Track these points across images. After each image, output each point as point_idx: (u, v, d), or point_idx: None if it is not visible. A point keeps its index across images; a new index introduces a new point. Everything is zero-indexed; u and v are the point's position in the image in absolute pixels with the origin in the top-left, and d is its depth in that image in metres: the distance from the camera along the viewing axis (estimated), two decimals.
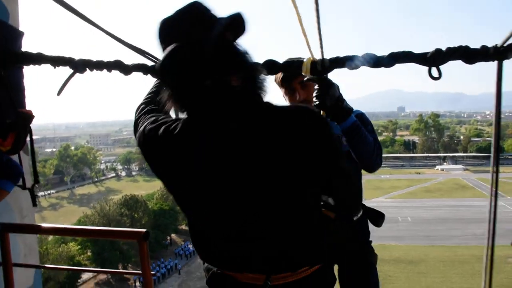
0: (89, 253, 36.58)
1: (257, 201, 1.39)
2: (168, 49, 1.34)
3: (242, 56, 1.34)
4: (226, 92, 1.31)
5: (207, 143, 1.34)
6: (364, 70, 1.95)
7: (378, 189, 68.89)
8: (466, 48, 1.66)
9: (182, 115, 1.43)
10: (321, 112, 1.80)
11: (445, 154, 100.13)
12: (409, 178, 78.15)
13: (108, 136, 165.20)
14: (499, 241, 2.02)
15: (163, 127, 1.43)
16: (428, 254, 35.50)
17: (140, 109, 1.74)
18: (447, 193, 64.13)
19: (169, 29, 1.41)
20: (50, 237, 36.61)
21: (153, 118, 1.53)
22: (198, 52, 1.30)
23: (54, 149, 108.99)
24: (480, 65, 1.72)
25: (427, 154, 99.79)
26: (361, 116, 2.24)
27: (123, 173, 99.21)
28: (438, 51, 1.66)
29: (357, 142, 2.00)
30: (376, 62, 1.75)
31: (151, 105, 1.74)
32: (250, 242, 1.46)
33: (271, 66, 1.83)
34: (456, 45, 1.69)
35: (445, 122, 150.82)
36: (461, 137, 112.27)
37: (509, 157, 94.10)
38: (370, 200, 61.23)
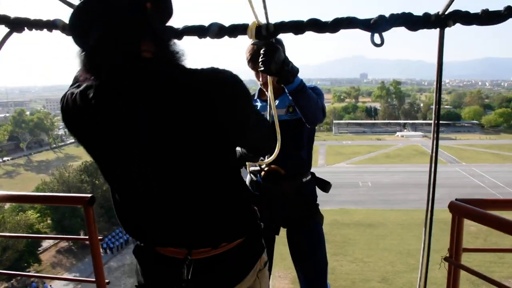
0: (49, 221, 35.88)
1: (175, 173, 1.34)
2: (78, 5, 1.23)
3: (153, 22, 1.28)
4: (133, 61, 1.24)
5: (117, 112, 1.27)
6: (327, 36, 1.94)
7: (340, 155, 70.43)
8: (409, 15, 1.66)
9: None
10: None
11: (405, 121, 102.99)
12: (370, 144, 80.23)
13: None
14: None
15: (77, 94, 1.34)
16: (386, 217, 36.86)
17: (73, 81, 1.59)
18: (406, 159, 66.34)
19: None
20: (7, 205, 35.61)
21: (73, 85, 1.46)
22: (108, 10, 1.21)
23: (7, 114, 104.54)
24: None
25: (388, 121, 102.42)
26: (312, 88, 2.44)
27: None
28: (381, 17, 1.65)
29: (303, 101, 2.14)
30: (321, 27, 1.72)
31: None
32: (170, 216, 1.43)
33: (218, 29, 1.80)
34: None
35: (406, 90, 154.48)
36: (421, 105, 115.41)
37: (466, 125, 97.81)
38: (332, 165, 62.73)
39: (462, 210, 1.59)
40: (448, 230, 1.68)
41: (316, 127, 2.64)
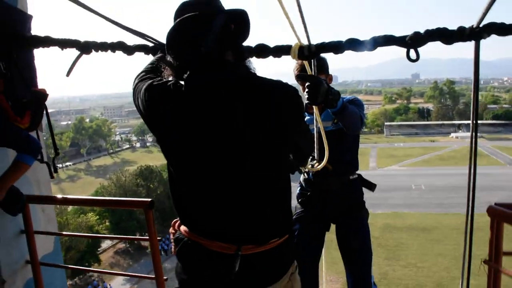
0: (107, 223, 37.49)
1: (238, 166, 1.55)
2: (183, 16, 1.52)
3: (237, 39, 1.61)
4: (221, 62, 1.54)
5: (202, 105, 1.51)
6: None
7: (392, 157, 68.66)
8: (444, 29, 1.76)
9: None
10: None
11: (460, 122, 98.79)
12: (423, 146, 77.44)
13: (122, 107, 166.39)
14: None
15: (169, 84, 1.57)
16: (441, 221, 35.55)
17: (139, 76, 1.81)
18: (461, 161, 63.51)
19: (184, 8, 1.57)
20: (70, 208, 37.57)
21: (158, 78, 1.67)
22: (206, 25, 1.49)
23: (69, 122, 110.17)
24: None
25: (441, 122, 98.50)
26: (352, 99, 2.83)
27: (138, 144, 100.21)
28: (416, 34, 1.76)
29: (345, 118, 2.47)
30: (360, 46, 1.86)
31: (150, 74, 1.81)
32: (227, 211, 1.60)
33: (262, 49, 1.99)
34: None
35: (460, 89, 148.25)
36: None
37: None
38: (383, 168, 61.30)
39: (501, 214, 1.65)
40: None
41: (361, 131, 3.06)
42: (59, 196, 2.42)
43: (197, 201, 1.64)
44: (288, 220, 1.75)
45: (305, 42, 1.93)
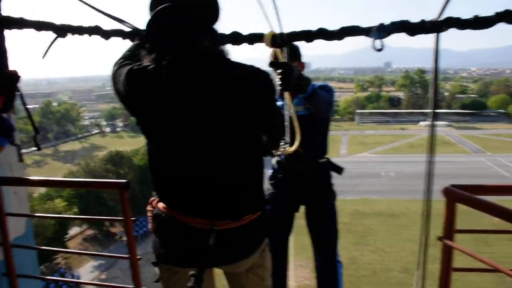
0: (75, 209, 36.91)
1: (214, 146, 1.66)
2: (162, 6, 1.57)
3: (213, 26, 1.69)
4: (200, 47, 1.62)
5: (180, 85, 1.61)
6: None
7: (363, 144, 69.87)
8: (406, 22, 1.87)
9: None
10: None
11: (429, 110, 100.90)
12: (394, 133, 79.16)
13: (91, 91, 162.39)
14: None
15: (150, 68, 1.63)
16: (409, 208, 36.53)
17: (119, 62, 1.85)
18: None
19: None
20: (36, 194, 36.75)
21: (137, 63, 1.72)
22: (185, 13, 1.58)
23: (36, 106, 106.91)
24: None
25: (411, 110, 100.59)
26: (323, 86, 2.97)
27: (108, 129, 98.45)
28: (381, 25, 1.84)
29: (315, 102, 2.62)
30: (328, 35, 1.97)
31: (129, 60, 1.85)
32: (204, 188, 1.71)
33: (237, 37, 2.09)
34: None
35: (431, 79, 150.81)
36: (446, 94, 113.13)
37: (492, 114, 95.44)
38: (354, 155, 62.33)
39: (454, 195, 1.78)
40: (465, 218, 1.84)
41: (331, 117, 3.23)
42: (33, 178, 2.43)
43: (177, 179, 1.73)
44: (261, 198, 1.87)
45: (278, 31, 2.01)
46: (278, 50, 2.37)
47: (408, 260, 27.05)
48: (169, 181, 1.76)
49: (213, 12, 1.67)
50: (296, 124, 2.74)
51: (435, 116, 1.94)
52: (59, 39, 2.22)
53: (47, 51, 2.23)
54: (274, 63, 2.20)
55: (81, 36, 2.17)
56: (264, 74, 1.70)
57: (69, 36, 2.19)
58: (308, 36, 1.91)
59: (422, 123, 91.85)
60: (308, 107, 2.95)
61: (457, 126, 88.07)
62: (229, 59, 1.70)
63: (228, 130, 1.66)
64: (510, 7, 1.68)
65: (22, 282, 2.61)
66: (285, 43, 2.00)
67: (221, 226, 1.72)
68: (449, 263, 1.91)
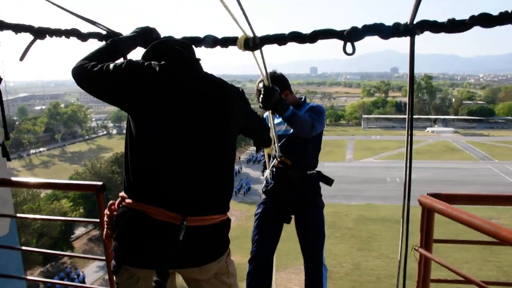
0: (81, 210, 37.06)
1: (195, 144, 1.80)
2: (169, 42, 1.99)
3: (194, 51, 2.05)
4: (190, 59, 1.96)
5: (179, 91, 1.81)
6: None
7: (368, 150, 69.64)
8: (380, 25, 1.84)
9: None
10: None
11: (436, 117, 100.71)
12: (400, 139, 78.38)
13: None
14: None
15: (154, 66, 1.82)
16: (414, 214, 35.24)
17: (96, 63, 1.87)
18: (436, 155, 64.97)
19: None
20: (43, 194, 36.98)
21: (134, 60, 1.88)
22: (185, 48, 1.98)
23: (43, 107, 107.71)
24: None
25: (418, 116, 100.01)
26: (313, 107, 3.31)
27: (114, 131, 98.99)
28: (353, 28, 1.84)
29: (294, 125, 2.89)
30: (301, 38, 1.98)
31: (105, 59, 1.91)
32: (177, 181, 1.78)
33: (212, 40, 2.16)
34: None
35: (438, 84, 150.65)
36: (453, 100, 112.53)
37: (500, 121, 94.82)
38: (359, 160, 62.13)
39: (430, 204, 1.74)
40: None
41: (322, 133, 3.45)
42: (14, 179, 2.43)
43: (156, 169, 1.78)
44: (228, 201, 1.94)
45: (250, 35, 2.02)
46: (264, 77, 2.55)
47: (413, 266, 26.59)
48: (147, 172, 1.80)
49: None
50: (273, 135, 2.96)
51: (411, 122, 1.89)
52: (39, 41, 2.22)
53: (24, 53, 2.23)
54: (263, 85, 2.51)
55: (59, 38, 2.18)
56: (238, 88, 2.04)
57: (48, 38, 2.20)
58: (281, 39, 1.91)
59: (428, 129, 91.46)
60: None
61: (464, 132, 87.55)
62: (214, 76, 1.96)
63: (212, 133, 1.85)
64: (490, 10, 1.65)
65: (3, 282, 2.61)
66: (257, 46, 2.00)
67: (192, 223, 1.74)
68: (426, 274, 1.88)
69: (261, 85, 2.69)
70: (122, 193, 1.87)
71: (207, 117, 1.83)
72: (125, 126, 1.93)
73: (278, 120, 3.24)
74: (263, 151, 3.38)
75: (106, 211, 1.91)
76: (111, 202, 1.91)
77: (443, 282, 1.98)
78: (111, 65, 1.81)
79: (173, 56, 1.89)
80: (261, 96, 2.59)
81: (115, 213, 1.85)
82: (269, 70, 2.60)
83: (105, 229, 1.87)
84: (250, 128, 2.26)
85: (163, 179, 1.77)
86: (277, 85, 3.07)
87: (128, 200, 1.82)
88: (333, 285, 24.04)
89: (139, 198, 1.79)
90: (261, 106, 2.61)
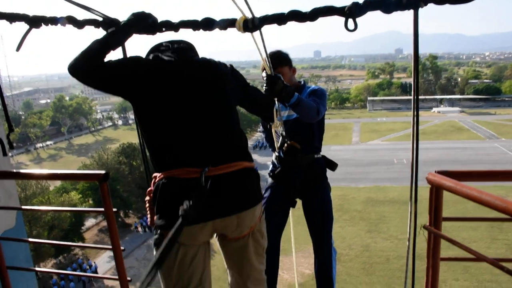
0: (90, 201, 37.37)
1: (199, 112, 2.00)
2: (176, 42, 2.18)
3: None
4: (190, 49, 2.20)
5: (185, 76, 2.02)
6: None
7: (374, 132, 69.38)
8: None
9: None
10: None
11: (441, 97, 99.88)
12: (406, 120, 77.92)
13: None
14: None
15: (162, 59, 2.03)
16: (422, 194, 35.45)
17: (93, 60, 1.94)
18: (442, 135, 64.61)
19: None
20: (52, 187, 37.29)
21: (146, 57, 2.12)
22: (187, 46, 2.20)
23: (48, 100, 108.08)
24: (480, 5, 1.74)
25: (424, 97, 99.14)
26: (314, 90, 3.35)
27: (120, 122, 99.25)
28: (354, 3, 1.79)
29: (299, 111, 2.96)
30: (301, 17, 1.94)
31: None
32: (195, 145, 2.00)
33: (209, 23, 2.13)
34: None
35: (443, 64, 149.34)
36: (459, 79, 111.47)
37: (507, 99, 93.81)
38: (366, 143, 61.96)
39: (438, 182, 1.71)
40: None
41: (325, 116, 3.41)
42: (14, 170, 2.42)
43: (170, 144, 2.00)
44: (243, 150, 2.15)
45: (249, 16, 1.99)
46: (266, 64, 2.61)
47: (421, 246, 26.49)
48: (166, 147, 2.02)
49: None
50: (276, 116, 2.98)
51: (417, 101, 1.84)
52: (40, 34, 2.19)
53: (21, 42, 2.20)
54: (267, 74, 2.60)
55: (55, 26, 2.14)
56: (227, 65, 2.25)
57: (43, 26, 2.16)
58: (280, 19, 1.86)
59: (434, 109, 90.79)
60: None
61: (470, 112, 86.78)
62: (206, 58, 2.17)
63: (219, 101, 2.08)
64: None
65: (13, 274, 2.62)
66: (256, 27, 1.95)
67: (214, 172, 1.94)
68: (435, 252, 1.85)
69: (264, 74, 2.71)
70: (154, 175, 2.09)
71: (205, 89, 2.03)
72: (133, 119, 2.05)
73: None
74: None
75: (147, 198, 2.12)
76: (148, 189, 2.12)
77: (453, 260, 1.95)
78: (111, 62, 1.94)
79: (172, 50, 2.10)
80: (265, 85, 2.64)
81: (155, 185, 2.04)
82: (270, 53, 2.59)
83: (148, 214, 2.11)
84: (251, 97, 2.42)
85: (181, 148, 1.99)
86: (283, 64, 3.29)
87: (158, 174, 2.04)
88: (343, 267, 24.22)
89: (166, 168, 2.00)
90: (267, 94, 2.64)
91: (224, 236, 2.17)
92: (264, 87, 2.65)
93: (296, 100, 2.80)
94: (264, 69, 2.79)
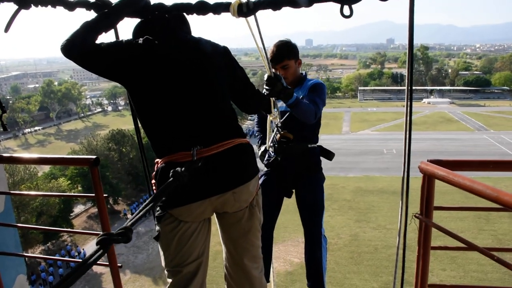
0: (79, 188, 37.17)
1: (190, 95, 2.03)
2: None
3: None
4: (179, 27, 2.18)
5: (175, 58, 2.03)
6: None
7: (365, 122, 69.72)
8: None
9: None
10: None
11: (432, 87, 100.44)
12: (396, 111, 78.44)
13: None
14: None
15: (148, 42, 2.02)
16: (411, 185, 36.18)
17: (85, 41, 1.94)
18: (432, 126, 65.14)
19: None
20: (40, 173, 36.99)
21: (133, 39, 2.08)
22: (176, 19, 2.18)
23: (37, 85, 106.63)
24: None
25: (415, 87, 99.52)
26: (315, 85, 3.37)
27: (110, 108, 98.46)
28: None
29: (297, 111, 2.96)
30: (295, 2, 1.88)
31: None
32: (188, 128, 2.03)
33: (202, 6, 2.07)
34: None
35: (434, 55, 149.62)
36: (449, 71, 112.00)
37: (496, 91, 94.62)
38: (356, 133, 62.24)
39: (431, 171, 1.71)
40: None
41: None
42: (3, 155, 2.38)
43: (166, 129, 2.05)
44: (234, 128, 2.18)
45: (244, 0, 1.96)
46: (259, 47, 2.49)
47: (410, 237, 26.91)
48: (162, 132, 2.07)
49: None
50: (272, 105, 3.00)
51: (411, 93, 1.84)
52: (29, 16, 2.13)
53: (9, 24, 2.13)
54: (267, 75, 2.62)
55: (44, 7, 2.08)
56: (222, 46, 2.25)
57: (33, 7, 2.10)
58: (275, 3, 1.83)
59: (425, 100, 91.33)
60: None
61: (460, 103, 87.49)
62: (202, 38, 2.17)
63: (207, 83, 2.08)
64: None
65: (2, 259, 2.60)
66: (251, 11, 1.92)
67: (207, 153, 2.01)
68: (426, 241, 1.86)
69: (266, 76, 2.73)
70: (155, 160, 2.15)
71: (192, 71, 2.04)
72: (123, 105, 2.00)
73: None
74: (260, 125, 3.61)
75: (152, 181, 2.16)
76: (153, 173, 2.16)
77: (444, 249, 1.97)
78: (103, 45, 1.95)
79: (162, 30, 2.08)
80: (265, 86, 2.68)
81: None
82: (266, 44, 2.57)
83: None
84: (241, 81, 2.38)
85: (175, 132, 2.04)
86: (291, 57, 3.33)
87: (158, 160, 2.10)
88: (332, 256, 24.41)
89: (164, 154, 2.07)
90: (267, 93, 2.69)
91: (225, 212, 2.22)
92: (264, 88, 2.70)
93: (294, 101, 2.86)
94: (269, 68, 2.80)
